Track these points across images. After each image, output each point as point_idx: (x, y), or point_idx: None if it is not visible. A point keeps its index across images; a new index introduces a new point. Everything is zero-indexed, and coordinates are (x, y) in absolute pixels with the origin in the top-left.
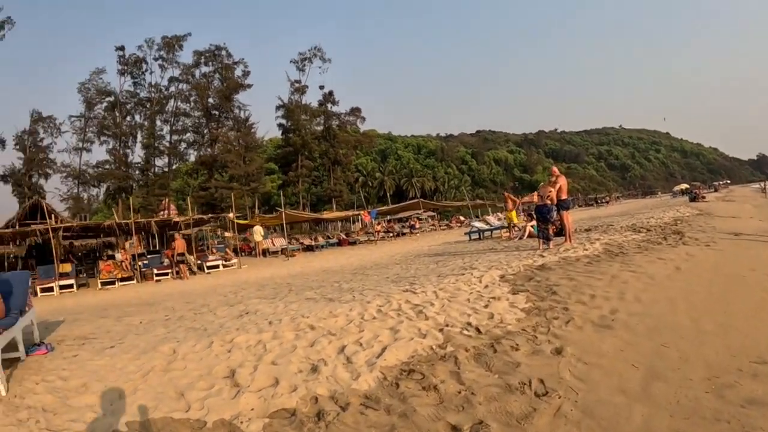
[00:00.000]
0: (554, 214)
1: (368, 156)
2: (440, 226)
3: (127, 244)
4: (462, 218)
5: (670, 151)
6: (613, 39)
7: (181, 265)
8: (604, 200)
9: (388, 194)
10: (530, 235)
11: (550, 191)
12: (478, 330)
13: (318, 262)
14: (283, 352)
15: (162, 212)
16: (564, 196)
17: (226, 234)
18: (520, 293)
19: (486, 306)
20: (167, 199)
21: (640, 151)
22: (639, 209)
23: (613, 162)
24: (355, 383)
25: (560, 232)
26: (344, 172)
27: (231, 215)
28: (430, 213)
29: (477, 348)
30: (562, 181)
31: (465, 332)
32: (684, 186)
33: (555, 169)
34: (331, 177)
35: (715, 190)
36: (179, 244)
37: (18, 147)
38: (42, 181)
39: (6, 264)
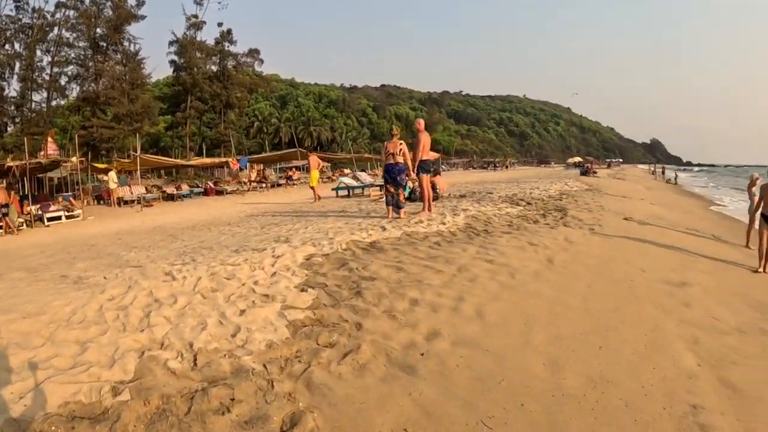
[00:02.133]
0: (405, 176)
1: (267, 101)
2: (322, 178)
3: None
4: (347, 171)
5: (569, 125)
6: (524, 15)
7: (6, 219)
8: (497, 165)
9: (283, 142)
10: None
11: (401, 146)
12: (194, 361)
13: (170, 215)
14: None
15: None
16: (425, 156)
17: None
18: (312, 289)
19: (243, 312)
20: (47, 138)
21: (540, 122)
22: (529, 177)
23: (513, 129)
24: None
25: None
26: (239, 117)
27: (74, 159)
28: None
29: (165, 401)
30: (425, 138)
31: (171, 365)
32: (577, 159)
33: (420, 121)
34: (222, 121)
35: (608, 167)
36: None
37: None
38: None
39: None
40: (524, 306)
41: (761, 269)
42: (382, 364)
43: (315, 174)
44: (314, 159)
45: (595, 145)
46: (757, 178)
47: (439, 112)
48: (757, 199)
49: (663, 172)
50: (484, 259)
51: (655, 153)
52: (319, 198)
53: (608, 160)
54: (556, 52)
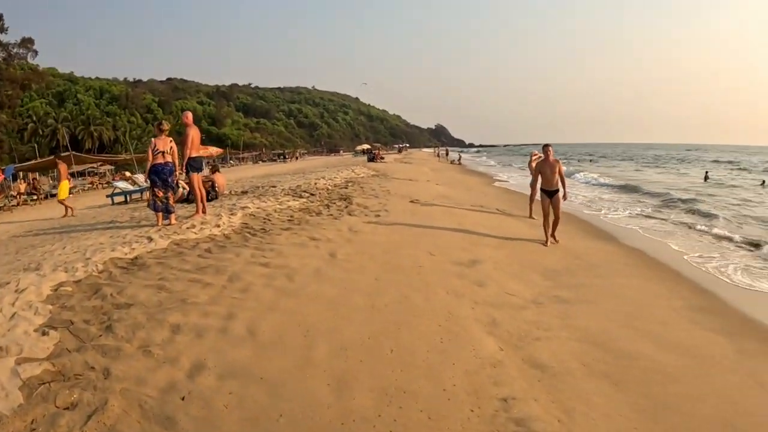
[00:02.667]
0: (175, 177)
1: (43, 99)
2: (100, 184)
3: None
4: (128, 174)
5: (357, 114)
6: (313, 6)
7: None
8: (286, 156)
9: (61, 144)
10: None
11: (171, 144)
12: None
13: None
14: None
15: None
16: (195, 153)
17: None
18: (55, 330)
19: None
20: None
21: (329, 112)
22: (317, 167)
23: (303, 120)
24: None
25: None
26: (11, 118)
27: None
28: (107, 167)
29: None
30: (194, 133)
31: None
32: (366, 146)
33: (188, 114)
34: None
35: (399, 152)
36: None
37: None
38: None
39: None
40: (304, 314)
41: (548, 246)
42: (135, 421)
43: (65, 185)
44: (63, 167)
45: (383, 132)
46: (535, 155)
47: (228, 105)
48: (535, 173)
49: (446, 154)
50: (260, 263)
51: (440, 137)
52: (72, 212)
53: (396, 145)
54: (345, 45)
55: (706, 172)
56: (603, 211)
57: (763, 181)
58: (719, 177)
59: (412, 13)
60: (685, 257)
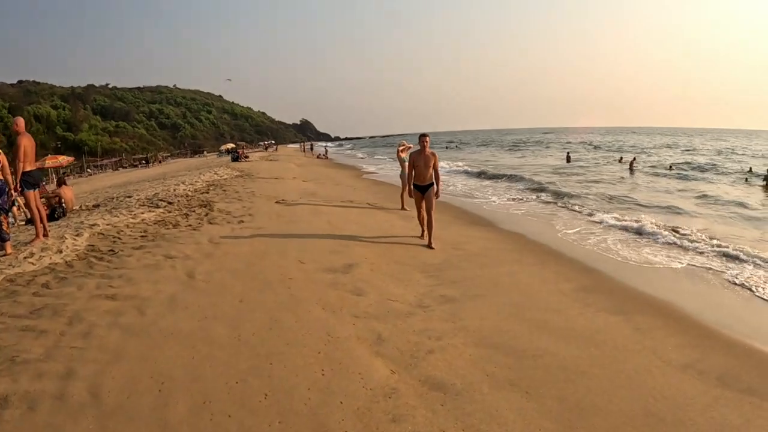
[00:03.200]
0: (9, 197)
1: None
2: None
3: None
4: None
5: (221, 112)
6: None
7: None
8: (148, 161)
9: None
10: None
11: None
12: None
13: None
14: None
15: None
16: (29, 167)
17: None
18: None
19: None
20: None
21: (192, 111)
22: (179, 171)
23: (164, 121)
24: None
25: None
26: None
27: None
28: None
29: None
30: (27, 142)
31: None
32: (230, 145)
33: (19, 121)
34: None
35: (265, 149)
36: None
37: None
38: None
39: None
40: (157, 359)
41: (425, 240)
42: None
43: None
44: None
45: (248, 130)
46: (403, 145)
47: (84, 108)
48: (407, 165)
49: (311, 148)
50: (106, 295)
51: (305, 132)
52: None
53: (261, 143)
54: (206, 41)
55: (568, 153)
56: (476, 198)
57: (621, 158)
58: (578, 156)
59: (275, 11)
60: (564, 237)
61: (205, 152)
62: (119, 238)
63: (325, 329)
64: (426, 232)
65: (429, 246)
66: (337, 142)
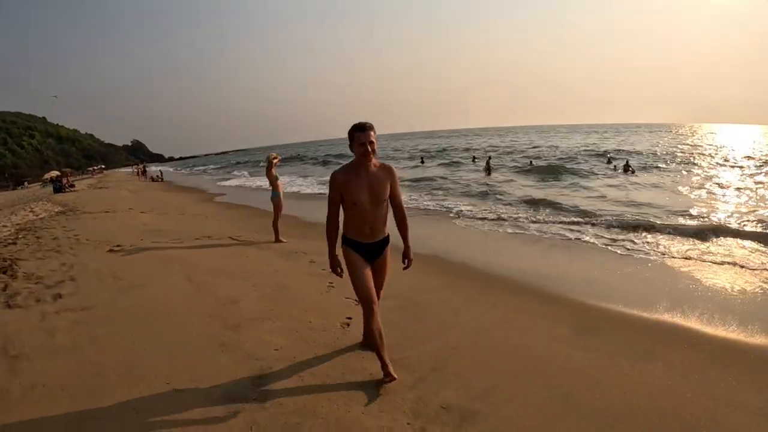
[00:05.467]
0: None
1: None
2: None
3: None
4: None
5: (45, 137)
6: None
7: None
8: None
9: None
10: None
11: None
12: None
13: None
14: None
15: None
16: None
17: None
18: None
19: None
20: None
21: (13, 137)
22: None
23: None
24: None
25: None
26: None
27: None
28: None
29: None
30: None
31: None
32: (54, 173)
33: None
34: None
35: (92, 175)
36: None
37: None
38: None
39: None
40: None
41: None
42: None
43: None
44: None
45: (75, 155)
46: (275, 157)
47: None
48: (331, 198)
49: (144, 172)
50: None
51: (138, 154)
52: None
53: (89, 168)
54: (24, 55)
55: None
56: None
57: (473, 158)
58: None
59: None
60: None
61: (26, 183)
62: None
63: None
64: (379, 347)
65: (388, 377)
66: (172, 162)
